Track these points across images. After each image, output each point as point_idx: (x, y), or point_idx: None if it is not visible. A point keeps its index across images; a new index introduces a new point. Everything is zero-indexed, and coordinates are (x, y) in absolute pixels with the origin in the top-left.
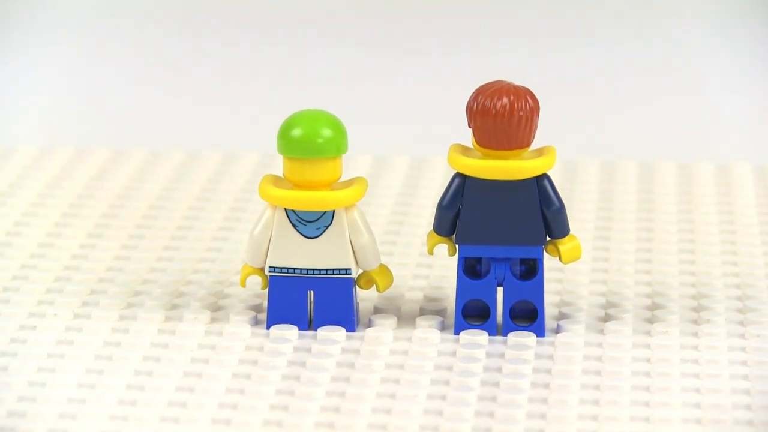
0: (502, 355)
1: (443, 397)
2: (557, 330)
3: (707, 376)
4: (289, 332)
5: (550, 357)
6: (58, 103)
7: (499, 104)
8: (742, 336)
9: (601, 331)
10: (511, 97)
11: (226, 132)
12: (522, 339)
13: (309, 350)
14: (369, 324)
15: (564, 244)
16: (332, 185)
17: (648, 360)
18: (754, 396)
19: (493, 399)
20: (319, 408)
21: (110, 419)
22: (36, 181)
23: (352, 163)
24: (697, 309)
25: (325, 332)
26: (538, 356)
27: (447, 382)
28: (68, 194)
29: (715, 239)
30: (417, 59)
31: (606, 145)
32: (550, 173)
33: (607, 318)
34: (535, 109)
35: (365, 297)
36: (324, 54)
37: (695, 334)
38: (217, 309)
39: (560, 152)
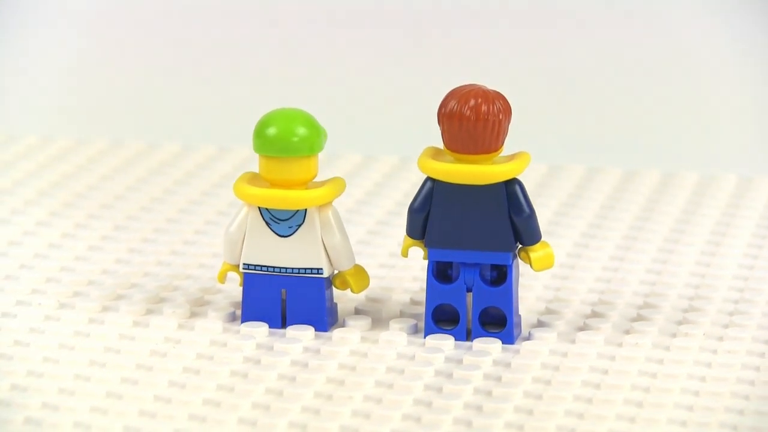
0: (459, 361)
1: (379, 401)
2: (529, 337)
3: (657, 390)
4: (258, 330)
5: (507, 365)
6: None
7: (465, 108)
8: (714, 351)
9: (573, 341)
10: (479, 101)
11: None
12: (487, 345)
13: (271, 348)
14: (343, 324)
15: (535, 252)
16: (307, 184)
17: (605, 371)
18: (695, 412)
19: (428, 404)
20: (250, 405)
21: (42, 407)
22: (74, 180)
23: (375, 164)
24: (680, 322)
25: (294, 331)
26: (495, 363)
27: (390, 386)
28: (104, 191)
29: (737, 251)
30: (406, 60)
31: (628, 151)
32: (523, 179)
33: (585, 327)
34: (504, 113)
35: (352, 298)
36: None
37: (667, 348)
38: (202, 304)
39: (584, 156)
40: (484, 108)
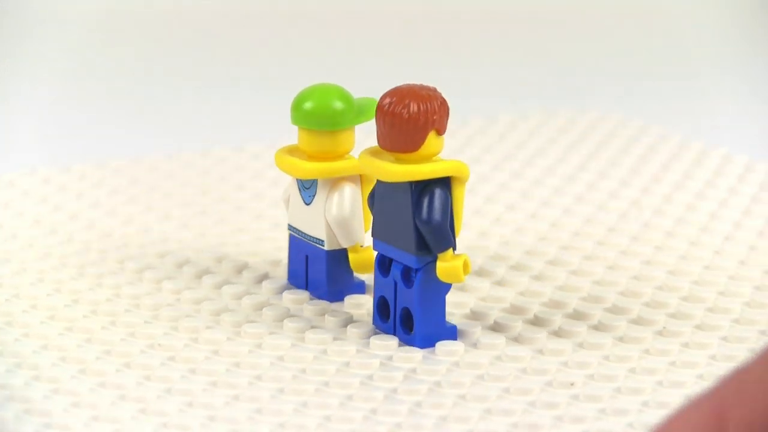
0: (347, 358)
1: (237, 375)
2: (438, 344)
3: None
4: (272, 287)
5: (386, 364)
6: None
7: (385, 104)
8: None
9: (476, 345)
10: (394, 99)
11: None
12: (384, 342)
13: (260, 310)
14: (342, 301)
15: (442, 261)
16: (344, 157)
17: (463, 385)
18: (542, 430)
19: (281, 391)
20: (166, 357)
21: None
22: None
23: None
24: (623, 339)
25: (291, 294)
26: (385, 361)
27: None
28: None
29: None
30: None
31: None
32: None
33: (518, 339)
34: (418, 115)
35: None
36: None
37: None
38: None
39: None
40: (397, 108)
